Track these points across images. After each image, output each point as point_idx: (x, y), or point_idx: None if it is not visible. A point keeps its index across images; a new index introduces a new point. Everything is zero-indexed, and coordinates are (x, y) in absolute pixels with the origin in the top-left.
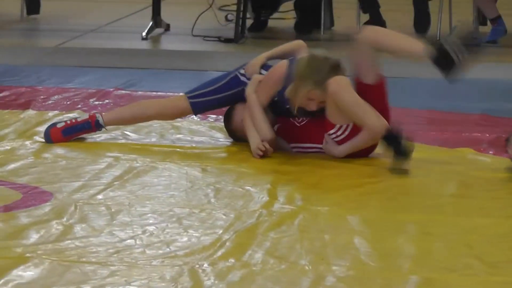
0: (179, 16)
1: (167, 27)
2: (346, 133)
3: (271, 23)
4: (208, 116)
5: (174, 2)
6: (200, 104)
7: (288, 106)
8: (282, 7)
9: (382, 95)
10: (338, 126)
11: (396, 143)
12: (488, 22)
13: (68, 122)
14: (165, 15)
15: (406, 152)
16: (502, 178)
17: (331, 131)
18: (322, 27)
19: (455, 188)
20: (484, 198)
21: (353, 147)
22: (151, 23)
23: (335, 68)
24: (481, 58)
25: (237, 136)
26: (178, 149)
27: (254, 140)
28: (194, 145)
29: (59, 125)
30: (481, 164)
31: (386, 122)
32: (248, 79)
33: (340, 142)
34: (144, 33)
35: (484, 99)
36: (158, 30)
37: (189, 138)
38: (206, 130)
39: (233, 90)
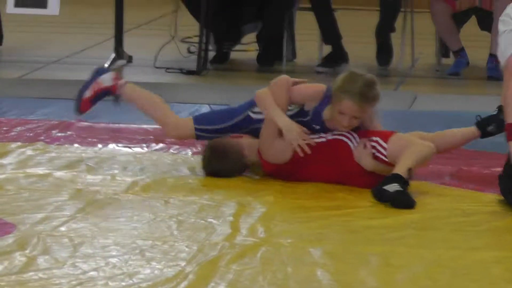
0: (141, 48)
1: (130, 59)
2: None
3: (233, 55)
4: (171, 147)
5: (136, 33)
6: (204, 137)
7: (318, 127)
8: (244, 39)
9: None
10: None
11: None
12: (451, 54)
13: (94, 90)
14: (127, 47)
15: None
16: (465, 210)
17: (376, 138)
18: (284, 59)
19: (417, 220)
20: (447, 230)
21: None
22: (113, 54)
23: (370, 84)
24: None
25: (229, 173)
26: (140, 181)
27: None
28: (156, 177)
29: (87, 95)
30: (444, 197)
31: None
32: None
33: (374, 157)
34: (106, 65)
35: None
36: (121, 62)
37: (152, 170)
38: (170, 162)
39: (243, 130)
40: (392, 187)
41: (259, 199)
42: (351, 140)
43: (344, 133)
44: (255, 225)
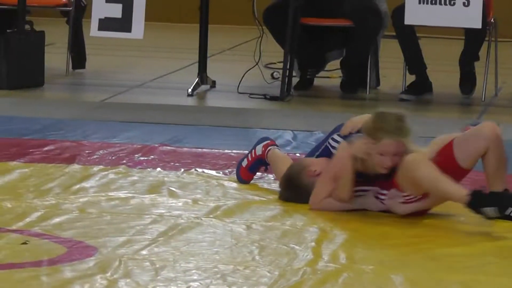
0: (225, 73)
1: (213, 84)
2: (418, 197)
3: (317, 81)
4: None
5: (220, 59)
6: None
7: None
8: (328, 66)
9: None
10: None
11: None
12: None
13: (249, 159)
14: (211, 72)
15: (491, 216)
16: None
17: (403, 193)
18: (368, 86)
19: (499, 248)
20: None
21: (418, 207)
22: (197, 79)
23: (402, 118)
24: None
25: (300, 196)
26: (223, 206)
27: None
28: (239, 202)
29: (243, 164)
30: None
31: (466, 190)
32: (342, 138)
33: (407, 202)
34: (189, 90)
35: None
36: (204, 87)
37: (234, 195)
38: (252, 187)
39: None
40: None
41: (341, 225)
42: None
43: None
44: (337, 251)
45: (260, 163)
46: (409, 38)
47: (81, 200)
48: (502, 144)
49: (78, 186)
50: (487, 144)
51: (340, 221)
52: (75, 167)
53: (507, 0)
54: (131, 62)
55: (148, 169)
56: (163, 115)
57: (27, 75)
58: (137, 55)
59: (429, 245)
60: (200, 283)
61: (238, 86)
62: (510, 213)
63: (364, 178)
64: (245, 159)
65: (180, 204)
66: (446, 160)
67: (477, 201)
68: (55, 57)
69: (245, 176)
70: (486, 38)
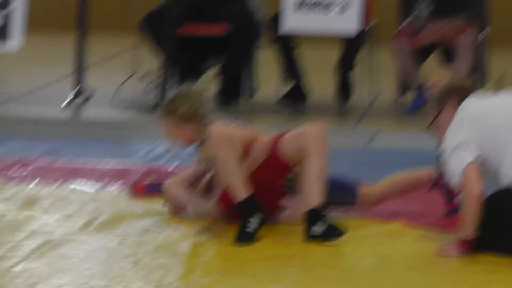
0: (101, 84)
1: (90, 95)
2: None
3: None
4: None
5: (96, 70)
6: None
7: None
8: (205, 75)
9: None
10: None
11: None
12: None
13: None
14: (88, 83)
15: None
16: (425, 251)
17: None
18: (243, 96)
19: (373, 260)
20: (402, 270)
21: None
22: (73, 91)
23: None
24: None
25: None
26: (95, 221)
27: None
28: (111, 217)
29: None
30: (408, 237)
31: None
32: None
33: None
34: (65, 102)
35: (407, 168)
36: (80, 99)
37: (107, 210)
38: (125, 202)
39: None
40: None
41: (214, 239)
42: None
43: None
44: (209, 264)
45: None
46: (285, 46)
47: None
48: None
49: None
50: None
51: (214, 235)
52: None
53: (390, 2)
54: (5, 74)
55: (21, 185)
56: (38, 128)
57: None
58: (11, 65)
59: (301, 256)
60: None
61: (113, 97)
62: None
63: None
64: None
65: (52, 220)
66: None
67: (244, 208)
68: None
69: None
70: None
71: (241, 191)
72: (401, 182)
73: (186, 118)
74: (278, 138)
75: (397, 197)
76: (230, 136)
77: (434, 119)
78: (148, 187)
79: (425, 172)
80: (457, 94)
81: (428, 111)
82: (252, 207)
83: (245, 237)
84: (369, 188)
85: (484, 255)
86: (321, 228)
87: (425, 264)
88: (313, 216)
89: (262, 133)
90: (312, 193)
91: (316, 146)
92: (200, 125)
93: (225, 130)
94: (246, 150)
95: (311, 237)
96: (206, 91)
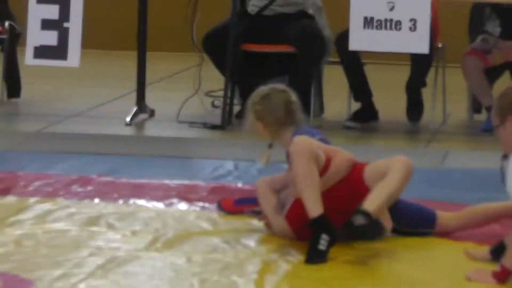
0: (164, 102)
1: (152, 113)
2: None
3: None
4: (194, 205)
5: (159, 87)
6: None
7: None
8: None
9: None
10: None
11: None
12: (484, 110)
13: None
14: (149, 101)
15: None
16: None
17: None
18: (311, 114)
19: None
20: None
21: None
22: (135, 108)
23: None
24: None
25: None
26: (162, 238)
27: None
28: (178, 234)
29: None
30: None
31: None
32: None
33: None
34: (128, 119)
35: (480, 188)
36: (143, 116)
37: (174, 227)
38: (193, 219)
39: None
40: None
41: (284, 257)
42: None
43: None
44: (280, 283)
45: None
46: (353, 64)
47: (16, 232)
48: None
49: (13, 218)
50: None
51: (283, 253)
52: (11, 199)
53: (455, 26)
54: (68, 91)
55: (86, 201)
56: (101, 145)
57: None
58: (73, 83)
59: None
60: None
61: (178, 115)
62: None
63: None
64: None
65: (118, 236)
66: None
67: (316, 226)
68: None
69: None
70: (434, 64)
71: (316, 207)
72: (487, 210)
73: (258, 116)
74: (362, 164)
75: (480, 226)
76: (313, 150)
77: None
78: (237, 201)
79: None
80: None
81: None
82: (326, 225)
83: (318, 256)
84: (447, 216)
85: None
86: (365, 220)
87: None
88: (361, 212)
89: (341, 150)
90: (371, 197)
91: (399, 168)
92: (273, 127)
93: (308, 143)
94: (326, 165)
95: (353, 227)
96: (290, 97)
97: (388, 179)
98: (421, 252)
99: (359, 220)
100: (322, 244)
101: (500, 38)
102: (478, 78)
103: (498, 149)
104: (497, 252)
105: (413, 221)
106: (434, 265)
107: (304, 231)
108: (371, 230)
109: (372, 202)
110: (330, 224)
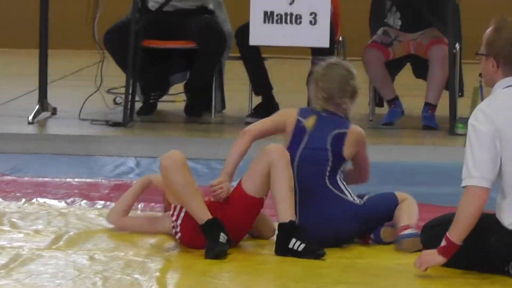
0: (66, 100)
1: (54, 111)
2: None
3: (160, 106)
4: (96, 203)
5: (62, 85)
6: None
7: None
8: (172, 90)
9: None
10: None
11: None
12: (385, 103)
13: None
14: (52, 99)
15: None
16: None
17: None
18: (213, 109)
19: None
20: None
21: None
22: (37, 106)
23: None
24: None
25: None
26: (65, 236)
27: None
28: (81, 232)
29: None
30: None
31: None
32: None
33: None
34: (30, 117)
35: (381, 182)
36: (45, 114)
37: (76, 225)
38: (94, 217)
39: None
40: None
41: (186, 253)
42: None
43: None
44: (181, 281)
45: None
46: (254, 58)
47: None
48: (288, 166)
49: None
50: (270, 162)
51: (186, 250)
52: None
53: (355, 18)
54: None
55: None
56: (2, 144)
57: None
58: None
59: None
60: None
61: (80, 112)
62: (293, 245)
63: None
64: None
65: (21, 235)
66: (238, 195)
67: (207, 228)
68: None
69: None
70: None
71: (205, 213)
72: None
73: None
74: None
75: None
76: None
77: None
78: None
79: None
80: None
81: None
82: (221, 225)
83: (218, 246)
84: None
85: None
86: (301, 244)
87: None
88: (291, 229)
89: None
90: (286, 207)
91: (279, 162)
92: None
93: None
94: None
95: (289, 251)
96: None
97: (277, 183)
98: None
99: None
100: (222, 238)
101: (401, 31)
102: (379, 71)
103: (398, 142)
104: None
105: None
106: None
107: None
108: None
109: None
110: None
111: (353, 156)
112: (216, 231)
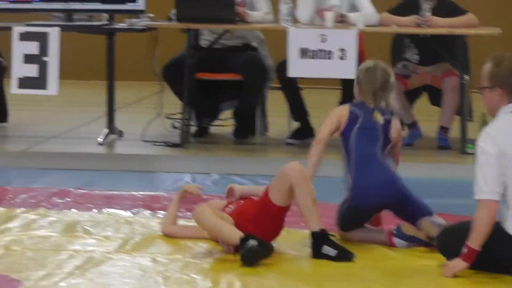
0: (131, 124)
1: (121, 134)
2: None
3: (212, 129)
4: (158, 213)
5: (126, 111)
6: None
7: None
8: (222, 115)
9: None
10: None
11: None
12: (406, 127)
13: None
14: (118, 123)
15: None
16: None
17: None
18: (257, 133)
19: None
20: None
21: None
22: (106, 130)
23: None
24: None
25: None
26: (131, 241)
27: None
28: (144, 238)
29: None
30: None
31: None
32: None
33: None
34: (100, 139)
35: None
36: (113, 136)
37: (141, 231)
38: (156, 225)
39: None
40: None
41: (235, 256)
42: None
43: None
44: (232, 279)
45: None
46: (292, 89)
47: (5, 239)
48: (308, 181)
49: (2, 226)
50: (291, 181)
51: (234, 254)
52: (0, 209)
53: (379, 54)
54: (48, 116)
55: (64, 210)
56: (77, 162)
57: None
58: (53, 109)
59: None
60: None
61: (143, 135)
62: (327, 251)
63: None
64: None
65: (93, 240)
66: (266, 206)
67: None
68: None
69: None
70: None
71: (235, 233)
72: None
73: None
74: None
75: None
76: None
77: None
78: None
79: None
80: None
81: None
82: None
83: (251, 250)
84: None
85: None
86: (334, 249)
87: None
88: (323, 237)
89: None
90: (314, 218)
91: (300, 181)
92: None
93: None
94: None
95: (323, 256)
96: (387, 74)
97: (302, 199)
98: None
99: (328, 250)
100: (252, 243)
101: (418, 64)
102: (399, 100)
103: (416, 161)
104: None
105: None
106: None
107: None
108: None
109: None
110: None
111: (394, 142)
112: (251, 240)
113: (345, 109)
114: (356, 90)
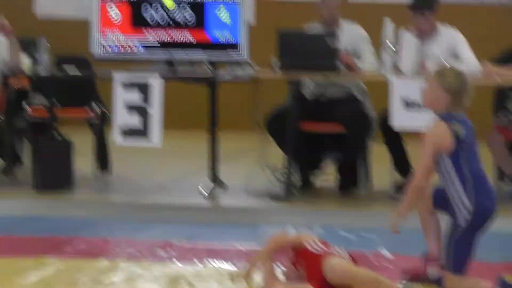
0: (234, 175)
1: (223, 185)
2: None
3: (317, 182)
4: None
5: (229, 161)
6: None
7: None
8: (326, 168)
9: None
10: None
11: None
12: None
13: None
14: (221, 174)
15: None
16: None
17: None
18: (361, 185)
19: None
20: None
21: None
22: (211, 183)
23: None
24: None
25: None
26: None
27: None
28: None
29: None
30: None
31: None
32: None
33: None
34: (204, 191)
35: (505, 249)
36: (217, 189)
37: (244, 285)
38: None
39: None
40: None
41: None
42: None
43: None
44: None
45: None
46: (395, 141)
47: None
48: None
49: (107, 280)
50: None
51: None
52: (103, 261)
53: (480, 106)
54: (151, 166)
55: (168, 264)
56: (181, 215)
57: (57, 177)
58: (155, 159)
59: None
60: None
61: (246, 187)
62: None
63: None
64: None
65: None
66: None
67: None
68: (83, 162)
69: None
70: None
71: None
72: None
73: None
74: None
75: None
76: None
77: None
78: None
79: None
80: None
81: None
82: None
83: None
84: None
85: None
86: None
87: None
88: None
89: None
90: None
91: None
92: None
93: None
94: None
95: None
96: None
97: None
98: None
99: None
100: None
101: None
102: (501, 151)
103: None
104: None
105: None
106: None
107: None
108: None
109: None
110: None
111: None
112: None
113: (443, 129)
114: (443, 100)
